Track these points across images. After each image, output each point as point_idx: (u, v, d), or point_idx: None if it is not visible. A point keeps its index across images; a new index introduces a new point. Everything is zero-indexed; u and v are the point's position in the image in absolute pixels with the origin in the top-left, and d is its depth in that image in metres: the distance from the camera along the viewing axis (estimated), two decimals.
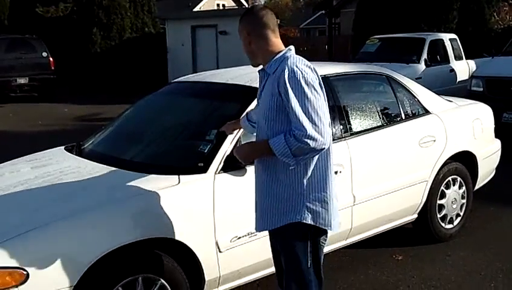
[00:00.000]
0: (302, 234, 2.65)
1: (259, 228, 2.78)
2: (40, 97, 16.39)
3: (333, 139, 3.79)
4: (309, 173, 2.61)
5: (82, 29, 19.06)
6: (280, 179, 2.63)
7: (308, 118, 2.47)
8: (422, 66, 10.77)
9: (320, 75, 4.01)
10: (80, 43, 19.00)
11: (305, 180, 2.61)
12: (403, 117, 4.45)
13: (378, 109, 4.31)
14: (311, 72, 2.57)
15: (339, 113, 3.96)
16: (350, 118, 4.04)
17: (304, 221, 2.61)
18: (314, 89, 2.53)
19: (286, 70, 2.54)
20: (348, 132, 3.97)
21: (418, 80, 7.79)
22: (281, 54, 2.65)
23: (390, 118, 4.38)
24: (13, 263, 2.66)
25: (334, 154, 3.75)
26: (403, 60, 10.46)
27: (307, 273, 2.68)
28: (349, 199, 3.89)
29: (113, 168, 3.44)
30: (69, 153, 4.00)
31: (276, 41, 2.70)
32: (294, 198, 2.61)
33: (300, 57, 2.65)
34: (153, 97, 4.48)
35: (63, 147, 4.20)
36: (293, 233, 2.65)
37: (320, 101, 2.53)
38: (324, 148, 2.52)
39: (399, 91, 4.54)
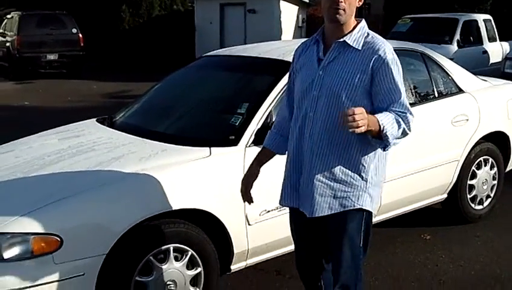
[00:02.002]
0: (359, 217, 2.51)
1: (311, 213, 2.49)
2: (69, 74, 16.50)
3: None
4: (376, 157, 2.49)
5: (111, 6, 19.15)
6: (347, 162, 2.44)
7: (407, 103, 2.42)
8: (454, 47, 10.58)
9: None
10: (109, 20, 19.10)
11: (372, 165, 2.47)
12: (436, 95, 4.39)
13: (411, 86, 4.25)
14: None
15: None
16: None
17: (364, 207, 2.50)
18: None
19: (387, 51, 2.39)
20: None
21: None
22: (360, 26, 2.46)
23: (423, 96, 4.32)
24: (48, 229, 2.71)
25: None
26: (435, 41, 10.26)
27: (358, 252, 2.56)
28: None
29: (145, 140, 3.46)
30: (101, 125, 4.04)
31: None
32: (359, 184, 2.47)
33: None
34: (184, 71, 4.49)
35: (94, 119, 4.25)
36: (351, 217, 2.50)
37: None
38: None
39: (433, 69, 4.47)
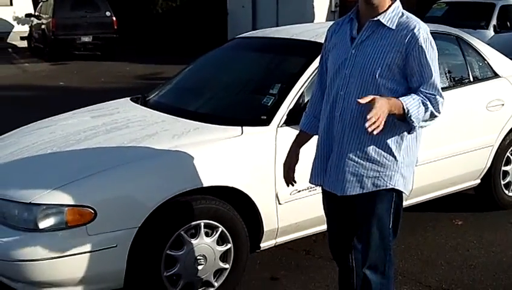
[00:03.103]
0: (389, 197, 2.50)
1: (343, 191, 2.48)
2: (102, 56, 16.68)
3: None
4: (409, 137, 2.46)
5: None
6: (380, 142, 2.42)
7: (440, 86, 2.39)
8: (490, 32, 10.37)
9: None
10: (142, 4, 19.19)
11: (404, 145, 2.45)
12: (471, 79, 4.32)
13: (446, 69, 4.18)
14: None
15: None
16: None
17: (397, 187, 2.47)
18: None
19: (421, 30, 2.35)
20: None
21: None
22: (394, 5, 2.42)
23: (458, 80, 4.26)
24: (82, 201, 2.78)
25: None
26: (470, 26, 10.04)
27: (388, 233, 2.54)
28: None
29: (178, 118, 3.50)
30: (135, 103, 4.09)
31: None
32: (391, 163, 2.44)
33: None
34: (216, 52, 4.52)
35: (128, 98, 4.31)
36: (381, 197, 2.48)
37: None
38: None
39: (468, 52, 4.39)
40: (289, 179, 2.77)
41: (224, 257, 3.20)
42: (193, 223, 3.04)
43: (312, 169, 2.65)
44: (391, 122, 2.37)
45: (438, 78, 2.39)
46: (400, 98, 2.31)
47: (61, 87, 11.62)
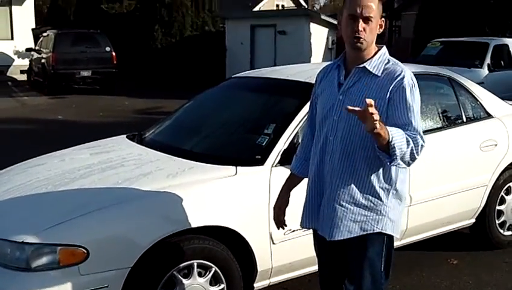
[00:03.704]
0: (380, 241, 2.50)
1: (331, 236, 2.49)
2: (101, 90, 16.88)
3: None
4: (398, 181, 2.47)
5: (144, 26, 19.53)
6: (366, 186, 2.44)
7: (420, 129, 2.39)
8: (485, 71, 10.51)
9: None
10: (142, 39, 19.47)
11: (392, 189, 2.47)
12: (464, 120, 4.37)
13: (439, 110, 4.24)
14: None
15: None
16: None
17: (385, 231, 2.48)
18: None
19: (406, 76, 2.37)
20: None
21: (480, 85, 7.59)
22: (381, 52, 2.47)
23: (451, 120, 4.31)
24: (75, 241, 2.77)
25: None
26: (465, 64, 10.22)
27: (379, 277, 2.54)
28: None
29: (173, 157, 3.53)
30: (131, 141, 4.12)
31: None
32: (378, 208, 2.45)
33: None
34: (212, 91, 4.57)
35: (124, 136, 4.34)
36: (369, 241, 2.49)
37: None
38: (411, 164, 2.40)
39: (461, 93, 4.45)
40: (280, 222, 2.79)
41: None
42: (186, 263, 3.03)
43: (303, 212, 2.66)
44: (381, 166, 2.40)
45: (419, 123, 2.39)
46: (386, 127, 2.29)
47: (59, 120, 11.71)
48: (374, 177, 2.43)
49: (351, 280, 2.62)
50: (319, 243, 2.68)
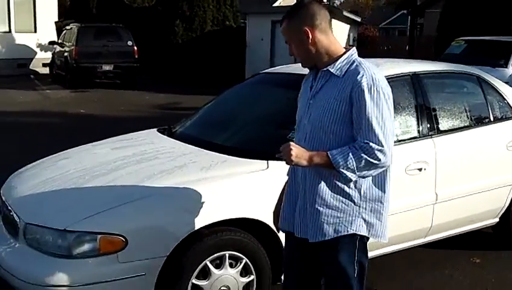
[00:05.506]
0: (352, 244, 2.49)
1: (311, 238, 2.50)
2: (123, 84, 16.94)
3: (419, 137, 3.87)
4: (367, 184, 2.46)
5: (165, 20, 19.63)
6: (336, 188, 2.44)
7: (383, 132, 2.34)
8: (509, 71, 10.45)
9: (410, 72, 4.08)
10: (163, 34, 19.57)
11: (363, 189, 2.45)
12: (492, 119, 4.39)
13: (467, 108, 4.27)
14: (387, 85, 2.42)
15: (426, 111, 3.96)
16: (437, 116, 4.04)
17: (358, 232, 2.47)
18: (391, 103, 2.40)
19: (364, 76, 2.35)
20: (435, 130, 3.96)
21: None
22: (347, 54, 2.45)
23: (478, 119, 4.34)
24: (115, 230, 2.88)
25: (420, 151, 3.83)
26: (489, 64, 10.15)
27: (353, 281, 2.51)
28: (431, 197, 3.90)
29: (205, 150, 3.61)
30: (162, 135, 4.22)
31: (335, 39, 2.50)
32: (350, 209, 2.45)
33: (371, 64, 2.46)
34: (241, 86, 4.66)
35: (155, 129, 4.44)
36: (342, 244, 2.48)
37: (391, 117, 2.40)
38: (387, 166, 2.42)
39: (489, 92, 4.48)
40: (279, 227, 2.79)
41: (246, 288, 3.27)
42: (218, 253, 3.12)
43: (281, 215, 2.70)
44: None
45: (377, 126, 2.35)
46: (329, 152, 2.36)
47: (82, 114, 11.85)
48: (341, 179, 2.42)
49: (326, 286, 2.64)
50: (291, 246, 2.70)
